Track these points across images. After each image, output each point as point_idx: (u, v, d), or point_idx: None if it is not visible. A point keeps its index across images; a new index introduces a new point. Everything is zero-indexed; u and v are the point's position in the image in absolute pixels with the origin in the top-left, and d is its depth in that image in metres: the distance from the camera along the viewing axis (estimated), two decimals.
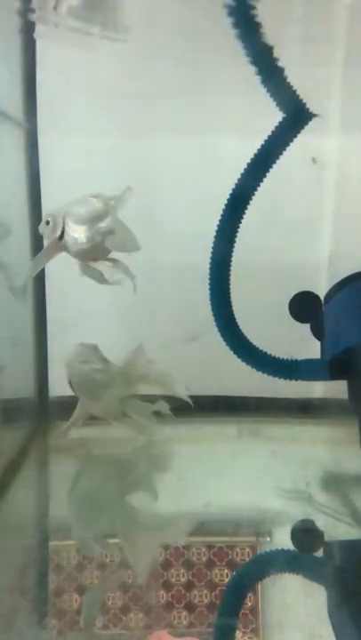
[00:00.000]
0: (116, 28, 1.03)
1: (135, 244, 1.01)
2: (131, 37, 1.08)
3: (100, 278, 1.02)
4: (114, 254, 1.03)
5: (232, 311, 1.15)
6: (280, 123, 1.08)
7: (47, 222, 0.99)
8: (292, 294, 1.18)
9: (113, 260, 1.02)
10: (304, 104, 1.08)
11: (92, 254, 1.00)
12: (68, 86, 1.25)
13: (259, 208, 1.11)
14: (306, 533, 0.98)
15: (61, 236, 0.99)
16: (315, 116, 1.08)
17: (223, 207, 1.12)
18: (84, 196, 1.00)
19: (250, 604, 0.87)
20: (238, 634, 0.83)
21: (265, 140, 1.10)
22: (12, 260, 1.18)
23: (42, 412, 1.32)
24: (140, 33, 1.11)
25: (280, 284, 1.24)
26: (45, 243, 1.03)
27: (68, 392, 1.12)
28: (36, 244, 1.24)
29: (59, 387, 1.13)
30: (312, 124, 1.09)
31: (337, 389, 1.18)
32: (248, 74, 1.05)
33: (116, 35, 1.07)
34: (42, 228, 1.01)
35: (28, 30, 1.18)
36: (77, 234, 0.98)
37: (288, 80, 1.06)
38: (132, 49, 1.12)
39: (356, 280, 1.12)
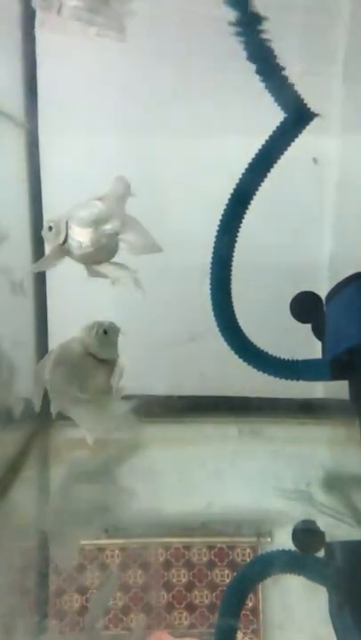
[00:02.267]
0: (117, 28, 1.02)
1: (155, 245, 1.00)
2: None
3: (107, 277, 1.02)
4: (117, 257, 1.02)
5: (233, 311, 1.15)
6: (281, 122, 1.08)
7: (50, 228, 0.98)
8: (294, 294, 1.18)
9: (118, 264, 1.01)
10: (306, 104, 1.08)
11: (97, 258, 0.99)
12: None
13: (260, 208, 1.11)
14: (307, 534, 0.98)
15: (64, 241, 0.98)
16: (316, 115, 1.08)
17: (224, 208, 1.12)
18: (87, 198, 1.00)
19: (250, 604, 0.87)
20: (239, 634, 0.83)
21: (266, 140, 1.09)
22: (13, 264, 1.17)
23: (42, 413, 1.32)
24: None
25: (281, 284, 1.24)
26: (47, 248, 1.02)
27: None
28: (37, 247, 1.24)
29: None
30: (313, 123, 1.09)
31: (338, 390, 1.17)
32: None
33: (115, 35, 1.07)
34: (44, 234, 1.00)
35: (28, 28, 1.18)
36: (81, 237, 0.97)
37: (289, 79, 1.06)
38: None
39: (357, 280, 1.12)
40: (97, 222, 0.97)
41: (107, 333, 1.02)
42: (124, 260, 1.02)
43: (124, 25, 1.04)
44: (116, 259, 1.02)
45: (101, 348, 1.03)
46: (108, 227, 0.97)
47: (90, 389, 1.04)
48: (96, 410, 1.06)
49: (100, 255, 0.99)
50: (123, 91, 1.24)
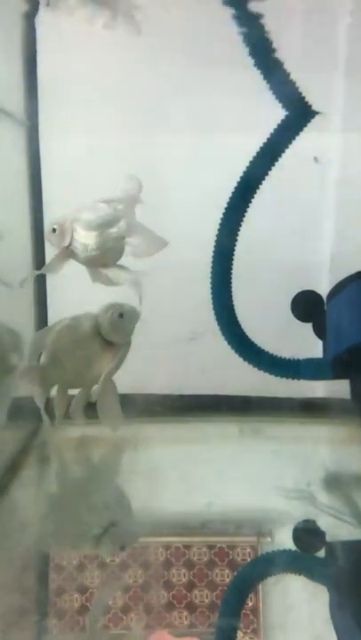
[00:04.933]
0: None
1: (160, 242, 1.00)
2: None
3: (112, 283, 1.01)
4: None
5: (234, 310, 1.15)
6: (283, 120, 1.08)
7: (54, 230, 0.97)
8: (295, 293, 1.18)
9: (122, 267, 1.01)
10: (307, 102, 1.08)
11: (103, 261, 0.98)
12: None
13: (260, 207, 1.11)
14: (307, 533, 0.98)
15: (69, 244, 0.97)
16: (317, 113, 1.08)
17: (224, 208, 1.11)
18: (92, 201, 0.99)
19: (251, 604, 0.87)
20: (239, 634, 0.83)
21: (267, 139, 1.09)
22: (12, 264, 1.16)
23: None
24: None
25: (282, 283, 1.24)
26: (47, 247, 1.02)
27: (71, 391, 1.11)
28: (37, 248, 1.25)
29: None
30: (314, 122, 1.09)
31: (339, 389, 1.17)
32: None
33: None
34: (48, 236, 0.99)
35: (29, 24, 1.18)
36: (87, 240, 0.96)
37: (291, 77, 1.06)
38: None
39: (358, 279, 1.12)
40: (103, 225, 0.96)
41: (122, 317, 1.00)
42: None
43: (136, 16, 1.04)
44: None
45: (112, 330, 1.00)
46: (114, 230, 0.97)
47: (89, 370, 1.02)
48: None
49: (105, 258, 0.98)
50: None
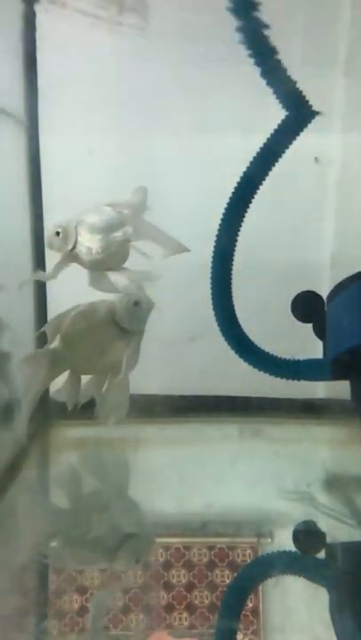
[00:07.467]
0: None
1: (179, 245, 0.99)
2: None
3: (113, 289, 1.00)
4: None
5: (234, 311, 1.14)
6: (283, 121, 1.08)
7: (57, 233, 0.97)
8: (295, 294, 1.18)
9: (125, 270, 1.01)
10: (307, 102, 1.07)
11: (107, 265, 0.98)
12: None
13: (261, 208, 1.11)
14: (308, 535, 0.97)
15: (73, 247, 0.97)
16: (318, 114, 1.07)
17: (224, 208, 1.11)
18: (96, 204, 0.99)
19: (251, 605, 0.87)
20: (239, 635, 0.83)
21: (267, 139, 1.09)
22: (11, 267, 1.16)
23: (42, 412, 1.31)
24: None
25: (282, 283, 1.24)
26: (47, 250, 1.01)
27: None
28: (37, 249, 1.24)
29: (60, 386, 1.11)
30: (315, 122, 1.09)
31: (340, 390, 1.17)
32: None
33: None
34: (50, 240, 0.97)
35: (28, 24, 1.18)
36: (92, 244, 0.96)
37: (291, 78, 1.05)
38: None
39: (358, 279, 1.12)
40: (108, 229, 0.96)
41: (137, 305, 1.00)
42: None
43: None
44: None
45: (127, 318, 1.00)
46: (118, 234, 0.96)
47: (102, 357, 1.02)
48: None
49: (109, 262, 0.98)
50: None
